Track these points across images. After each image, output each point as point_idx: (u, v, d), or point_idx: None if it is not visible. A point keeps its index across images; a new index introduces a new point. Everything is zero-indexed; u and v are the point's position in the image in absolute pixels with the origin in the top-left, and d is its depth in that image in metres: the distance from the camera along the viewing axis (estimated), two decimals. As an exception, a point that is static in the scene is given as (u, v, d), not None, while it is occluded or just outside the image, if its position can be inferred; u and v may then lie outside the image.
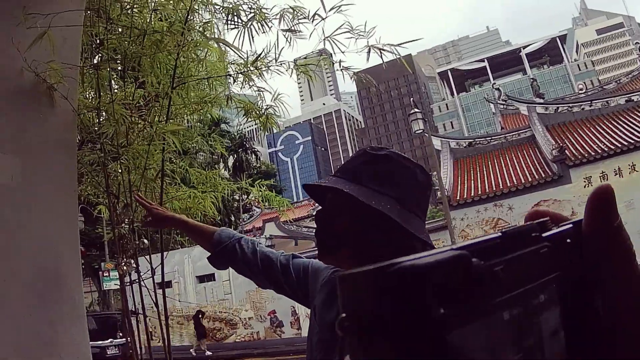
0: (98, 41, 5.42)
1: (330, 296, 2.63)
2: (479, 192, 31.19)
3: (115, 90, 5.67)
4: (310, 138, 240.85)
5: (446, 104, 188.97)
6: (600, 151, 29.77)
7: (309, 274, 2.87)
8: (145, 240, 6.60)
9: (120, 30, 5.31)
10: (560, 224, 1.03)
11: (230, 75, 5.61)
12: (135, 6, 5.20)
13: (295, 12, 5.27)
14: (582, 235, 0.99)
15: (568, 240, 0.99)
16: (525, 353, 0.83)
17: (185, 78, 5.38)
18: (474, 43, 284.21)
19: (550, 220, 1.02)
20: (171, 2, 5.34)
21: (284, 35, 5.36)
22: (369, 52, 5.24)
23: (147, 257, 6.19)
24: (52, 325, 3.97)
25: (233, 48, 5.33)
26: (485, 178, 32.92)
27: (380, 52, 5.35)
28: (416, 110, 29.73)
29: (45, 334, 3.91)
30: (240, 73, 5.56)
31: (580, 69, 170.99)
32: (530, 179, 30.51)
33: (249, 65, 5.43)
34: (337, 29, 5.00)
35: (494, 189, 30.79)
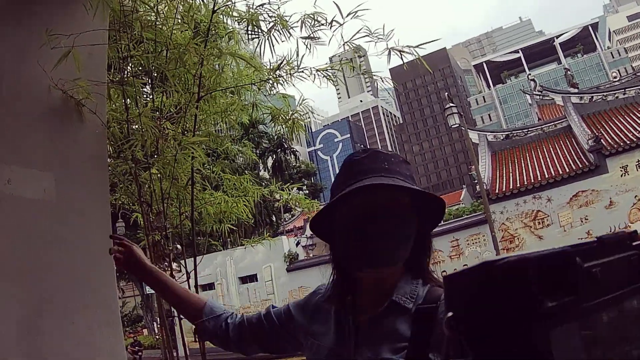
0: (124, 55, 5.59)
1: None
2: (518, 185, 30.96)
3: (145, 101, 5.84)
4: (349, 136, 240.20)
5: (483, 97, 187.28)
6: (635, 139, 29.50)
7: (292, 312, 2.76)
8: (179, 246, 6.78)
9: (144, 44, 5.47)
10: None
11: (254, 83, 5.75)
12: (158, 20, 5.35)
13: (315, 19, 5.38)
14: None
15: None
16: (621, 355, 0.98)
17: (212, 87, 5.53)
18: (508, 34, 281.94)
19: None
20: (193, 15, 5.50)
21: (304, 43, 5.47)
22: (389, 54, 5.30)
23: (183, 260, 6.32)
24: (90, 330, 4.17)
25: (249, 61, 5.45)
26: (524, 170, 32.67)
27: (400, 54, 5.42)
28: (451, 104, 29.65)
29: (85, 339, 4.10)
30: (263, 81, 5.73)
31: (613, 57, 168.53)
32: (567, 170, 30.25)
33: (272, 73, 5.60)
34: (355, 34, 5.09)
35: (532, 180, 30.56)
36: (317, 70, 5.63)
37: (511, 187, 31.14)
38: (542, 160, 32.87)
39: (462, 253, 31.38)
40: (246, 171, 59.79)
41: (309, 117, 6.21)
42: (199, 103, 5.49)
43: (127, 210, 6.76)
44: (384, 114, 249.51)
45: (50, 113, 4.35)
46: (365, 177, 2.23)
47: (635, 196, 27.67)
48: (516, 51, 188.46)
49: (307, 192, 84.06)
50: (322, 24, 5.36)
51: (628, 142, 29.37)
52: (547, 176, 30.20)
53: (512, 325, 0.88)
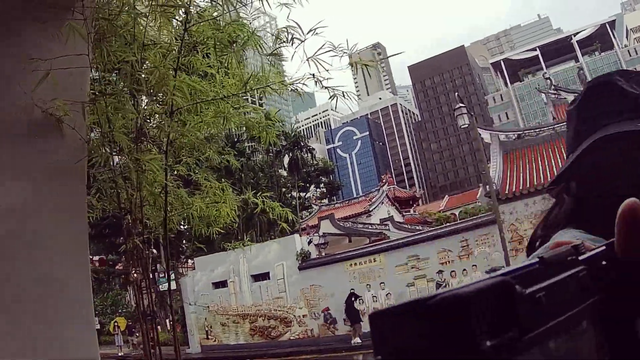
0: (108, 68, 5.98)
1: None
2: (527, 186, 30.75)
3: (124, 115, 6.20)
4: (367, 133, 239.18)
5: (500, 95, 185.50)
6: (641, 142, 28.76)
7: None
8: (155, 250, 7.15)
9: (126, 55, 5.84)
10: (591, 248, 1.07)
11: (225, 97, 6.11)
12: (133, 42, 5.70)
13: (287, 32, 5.71)
14: (616, 256, 1.00)
15: (604, 262, 1.02)
16: None
17: (184, 102, 5.88)
18: (526, 32, 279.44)
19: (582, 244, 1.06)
20: (163, 38, 5.87)
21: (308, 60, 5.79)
22: (355, 67, 5.61)
23: (164, 264, 6.68)
24: (62, 326, 4.57)
25: (196, 85, 5.77)
26: (534, 171, 32.45)
27: (366, 67, 5.74)
28: (461, 105, 29.72)
29: (55, 336, 4.50)
30: (234, 95, 6.11)
31: (630, 55, 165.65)
32: None
33: (242, 88, 5.98)
34: (319, 49, 5.38)
35: (542, 181, 30.18)
36: (286, 85, 5.98)
37: (521, 187, 31.00)
38: (553, 160, 32.69)
39: (471, 253, 31.41)
40: (264, 168, 59.59)
41: (285, 125, 6.53)
42: (171, 117, 5.85)
43: (115, 217, 7.11)
44: (402, 111, 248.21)
45: (30, 129, 4.76)
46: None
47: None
48: (534, 49, 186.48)
49: (325, 189, 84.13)
50: (292, 39, 5.66)
51: (635, 144, 28.98)
52: (557, 177, 30.08)
53: None
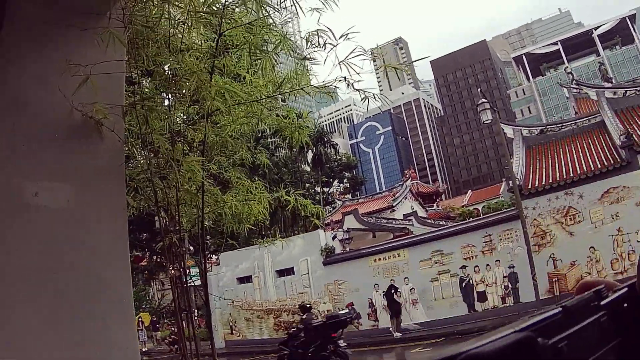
0: (144, 72, 6.15)
1: None
2: (550, 181, 30.50)
3: (162, 116, 6.35)
4: (390, 128, 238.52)
5: (523, 89, 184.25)
6: (669, 135, 28.73)
7: None
8: (191, 247, 7.29)
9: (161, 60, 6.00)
10: (614, 289, 1.09)
11: (258, 100, 6.25)
12: (168, 46, 5.84)
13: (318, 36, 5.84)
14: (638, 296, 1.04)
15: (625, 305, 1.05)
16: None
17: (219, 105, 6.01)
18: (547, 26, 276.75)
19: (605, 286, 1.08)
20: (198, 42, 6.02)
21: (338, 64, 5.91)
22: (385, 72, 5.73)
23: (201, 259, 6.82)
24: (105, 324, 4.74)
25: (237, 91, 5.89)
26: (557, 165, 32.19)
27: (396, 70, 5.87)
28: (484, 100, 29.71)
29: (100, 333, 4.67)
30: (270, 97, 6.26)
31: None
32: (599, 166, 29.69)
33: (277, 90, 6.14)
34: (349, 53, 5.50)
35: (565, 176, 30.07)
36: (317, 87, 6.12)
37: (544, 182, 30.78)
38: (575, 155, 32.38)
39: (494, 248, 31.30)
40: (288, 164, 59.55)
41: (320, 125, 6.65)
42: (207, 120, 6.00)
43: (149, 215, 7.26)
44: (425, 106, 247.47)
45: (71, 133, 4.93)
46: None
47: (667, 193, 27.34)
48: (555, 43, 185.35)
49: (348, 185, 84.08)
50: (325, 44, 5.79)
51: (662, 138, 28.81)
52: (579, 172, 29.73)
53: None
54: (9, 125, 4.60)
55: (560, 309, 0.97)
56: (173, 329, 41.85)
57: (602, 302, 1.03)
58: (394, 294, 32.87)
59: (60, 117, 4.86)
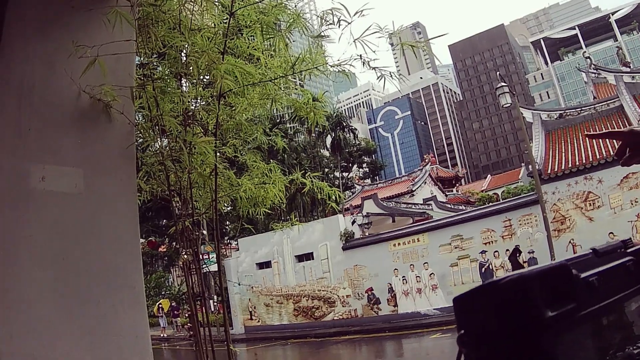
0: (154, 53, 6.05)
1: None
2: (570, 165, 30.39)
3: (174, 98, 6.25)
4: (409, 113, 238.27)
5: (541, 74, 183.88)
6: (687, 120, 28.28)
7: None
8: (204, 232, 7.20)
9: (172, 40, 5.88)
10: None
11: (272, 80, 6.14)
12: (178, 27, 5.73)
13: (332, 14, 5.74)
14: None
15: None
16: (621, 352, 1.07)
17: (233, 85, 5.89)
18: (565, 10, 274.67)
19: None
20: (209, 22, 5.90)
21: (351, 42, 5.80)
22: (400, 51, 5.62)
23: (215, 244, 6.74)
24: (115, 310, 4.66)
25: (247, 69, 5.78)
26: (576, 150, 32.07)
27: (414, 52, 5.74)
28: (503, 84, 29.52)
29: (109, 319, 4.59)
30: (282, 76, 6.14)
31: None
32: None
33: (290, 69, 6.02)
34: (365, 31, 5.38)
35: (584, 161, 29.96)
36: (332, 65, 6.00)
37: (563, 167, 30.65)
38: (594, 140, 32.33)
39: (514, 233, 31.25)
40: (306, 149, 59.72)
41: (335, 106, 6.54)
42: (219, 101, 5.89)
43: (164, 199, 7.18)
44: (444, 90, 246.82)
45: (80, 116, 4.83)
46: None
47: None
48: (573, 28, 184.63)
49: (367, 169, 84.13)
50: (339, 20, 5.69)
51: (681, 122, 28.50)
52: (598, 157, 29.59)
53: (519, 336, 0.95)
54: (15, 110, 4.50)
55: (590, 251, 1.10)
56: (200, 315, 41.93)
57: (629, 250, 1.16)
58: (519, 256, 32.08)
59: (68, 100, 4.76)
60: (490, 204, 45.05)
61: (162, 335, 48.18)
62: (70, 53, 4.47)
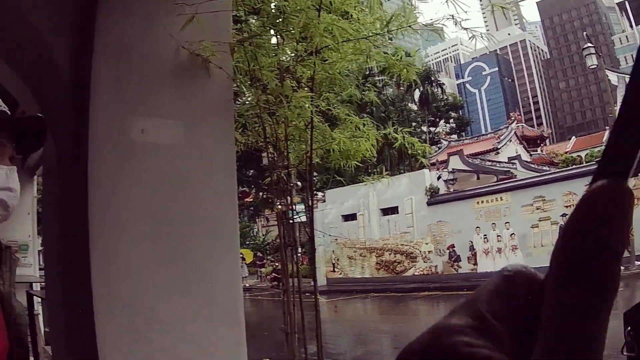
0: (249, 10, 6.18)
1: None
2: None
3: (269, 52, 6.36)
4: (497, 69, 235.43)
5: (626, 36, 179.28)
6: None
7: None
8: (299, 183, 7.34)
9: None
10: None
11: (367, 37, 6.19)
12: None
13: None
14: None
15: None
16: None
17: (327, 41, 5.97)
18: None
19: None
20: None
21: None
22: None
23: (308, 195, 6.87)
24: (210, 257, 4.84)
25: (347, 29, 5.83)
26: None
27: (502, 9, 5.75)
28: (589, 44, 29.05)
29: (204, 266, 4.78)
30: (377, 34, 6.20)
31: None
32: None
33: (384, 27, 6.08)
34: None
35: None
36: (425, 25, 6.05)
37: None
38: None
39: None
40: (395, 103, 59.62)
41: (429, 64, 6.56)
42: (316, 56, 5.98)
43: (257, 150, 7.33)
44: (531, 48, 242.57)
45: (179, 71, 4.98)
46: None
47: None
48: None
49: (454, 125, 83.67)
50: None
51: None
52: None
53: None
54: (113, 66, 4.67)
55: None
56: (276, 265, 42.55)
57: None
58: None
59: (167, 56, 4.90)
60: (574, 166, 44.46)
61: (244, 285, 48.86)
62: (168, 11, 4.62)
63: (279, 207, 6.59)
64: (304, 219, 8.57)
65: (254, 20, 6.30)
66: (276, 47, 6.47)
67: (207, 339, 4.64)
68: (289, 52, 6.58)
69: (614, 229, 0.54)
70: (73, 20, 4.92)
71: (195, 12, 4.62)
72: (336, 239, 42.75)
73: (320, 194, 45.65)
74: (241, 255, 49.25)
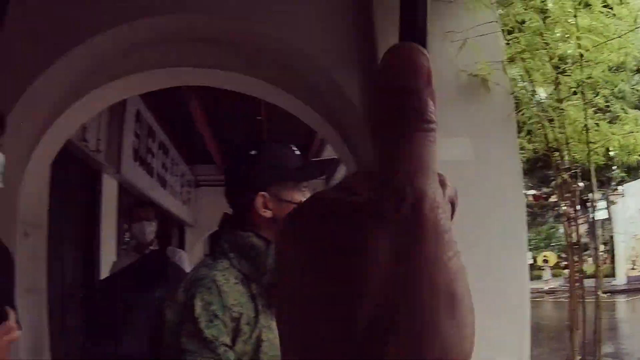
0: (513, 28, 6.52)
1: None
2: None
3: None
4: None
5: None
6: None
7: None
8: (581, 183, 7.50)
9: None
10: None
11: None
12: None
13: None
14: None
15: None
16: None
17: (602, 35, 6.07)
18: None
19: None
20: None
21: None
22: None
23: (591, 195, 7.04)
24: (497, 256, 5.33)
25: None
26: None
27: None
28: None
29: (492, 263, 5.25)
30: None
31: None
32: None
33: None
34: None
35: None
36: None
37: None
38: None
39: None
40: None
41: None
42: (581, 56, 6.14)
43: (545, 155, 7.53)
44: None
45: (461, 91, 5.55)
46: None
47: None
48: None
49: None
50: None
51: None
52: None
53: None
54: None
55: None
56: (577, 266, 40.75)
57: None
58: None
59: (448, 79, 5.47)
60: None
61: (545, 287, 47.54)
62: (443, 39, 5.20)
63: (565, 208, 6.87)
64: (601, 215, 8.61)
65: (520, 38, 6.59)
66: (546, 50, 6.63)
67: (494, 331, 4.90)
68: (557, 59, 6.77)
69: None
70: (357, 57, 5.74)
71: (466, 37, 5.16)
72: (636, 235, 40.13)
73: (620, 188, 43.58)
74: (544, 259, 47.93)
